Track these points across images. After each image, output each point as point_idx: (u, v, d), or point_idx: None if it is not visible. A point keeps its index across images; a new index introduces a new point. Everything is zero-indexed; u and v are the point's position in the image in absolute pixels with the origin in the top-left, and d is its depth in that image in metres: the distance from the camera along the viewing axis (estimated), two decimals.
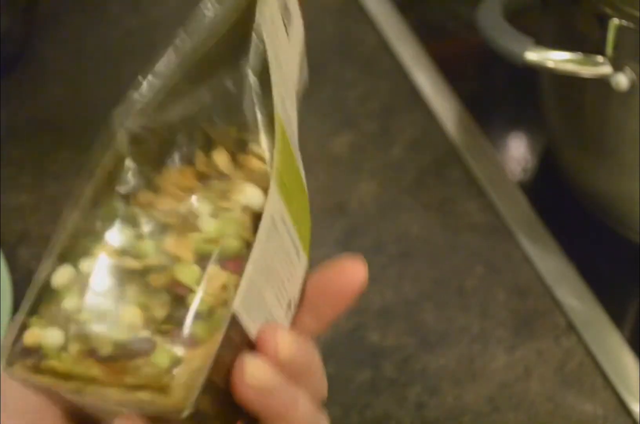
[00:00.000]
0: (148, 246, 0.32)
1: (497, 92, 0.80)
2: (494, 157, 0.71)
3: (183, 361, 0.30)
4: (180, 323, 0.30)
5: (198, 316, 0.30)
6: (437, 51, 0.78)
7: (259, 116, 0.34)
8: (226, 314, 0.30)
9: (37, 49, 0.79)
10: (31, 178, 0.70)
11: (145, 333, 0.30)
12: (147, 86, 0.35)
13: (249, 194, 0.33)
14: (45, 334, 0.31)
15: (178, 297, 0.31)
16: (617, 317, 0.60)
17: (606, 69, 0.55)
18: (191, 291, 0.31)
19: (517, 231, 0.65)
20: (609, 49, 0.55)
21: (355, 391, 0.57)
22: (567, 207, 0.67)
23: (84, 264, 0.33)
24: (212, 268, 0.31)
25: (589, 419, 0.55)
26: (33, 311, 0.32)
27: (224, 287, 0.31)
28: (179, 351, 0.30)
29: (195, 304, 0.30)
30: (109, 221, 0.34)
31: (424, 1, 0.84)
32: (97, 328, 0.30)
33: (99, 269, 0.32)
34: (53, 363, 0.30)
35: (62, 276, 0.33)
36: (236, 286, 0.31)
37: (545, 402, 0.56)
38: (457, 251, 0.64)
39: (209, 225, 0.32)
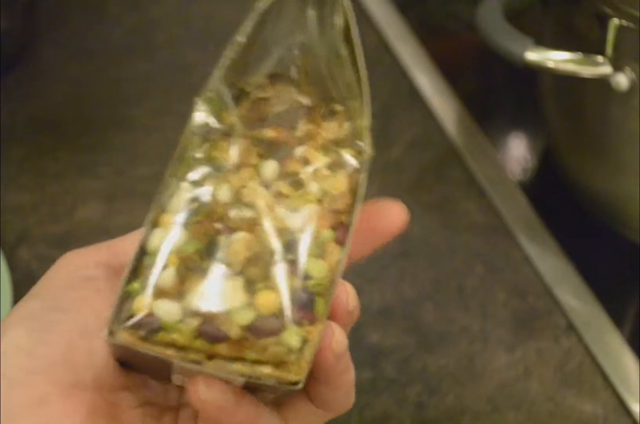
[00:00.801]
0: (263, 216, 0.32)
1: (497, 92, 0.80)
2: (494, 157, 0.71)
3: (308, 339, 0.31)
4: (305, 301, 0.31)
5: (320, 293, 0.31)
6: (437, 51, 0.78)
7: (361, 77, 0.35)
8: (334, 289, 0.32)
9: (37, 49, 0.79)
10: (31, 178, 0.70)
11: (273, 313, 0.31)
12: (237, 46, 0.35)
13: (349, 160, 0.34)
14: (160, 306, 0.30)
15: (297, 272, 0.31)
16: (617, 317, 0.60)
17: (606, 69, 0.55)
18: (312, 265, 0.32)
19: (517, 231, 0.65)
20: (609, 49, 0.55)
21: (355, 391, 0.57)
22: (567, 207, 0.67)
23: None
24: (332, 245, 0.32)
25: (589, 419, 0.55)
26: (134, 278, 0.32)
27: (338, 262, 0.32)
28: (305, 330, 0.31)
29: (320, 280, 0.31)
30: (212, 184, 0.33)
31: (424, 1, 0.84)
32: (217, 305, 0.31)
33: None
34: (173, 336, 0.30)
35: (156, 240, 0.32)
36: (341, 259, 0.32)
37: (545, 402, 0.56)
38: (457, 251, 0.64)
39: (317, 189, 0.33)
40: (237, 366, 0.30)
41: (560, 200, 0.68)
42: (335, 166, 0.34)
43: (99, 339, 0.32)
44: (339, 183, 0.33)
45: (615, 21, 0.53)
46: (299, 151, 0.34)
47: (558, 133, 0.67)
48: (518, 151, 0.73)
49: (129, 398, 0.34)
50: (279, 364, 0.30)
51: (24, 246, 0.64)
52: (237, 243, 0.31)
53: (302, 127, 0.34)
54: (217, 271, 0.31)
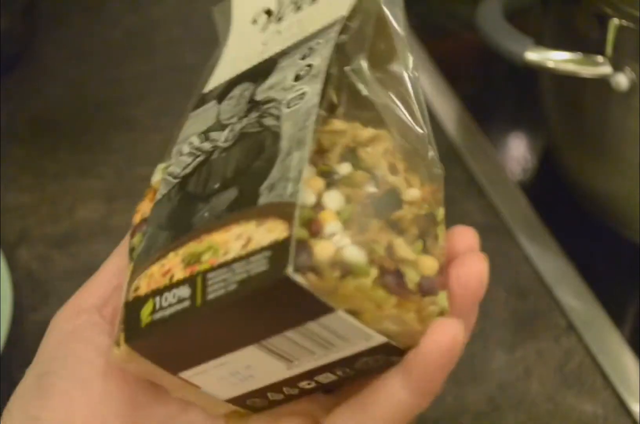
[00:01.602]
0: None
1: (497, 92, 0.80)
2: (494, 157, 0.71)
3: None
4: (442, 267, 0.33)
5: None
6: (437, 51, 0.78)
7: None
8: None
9: (37, 49, 0.79)
10: (31, 178, 0.70)
11: (432, 274, 0.32)
12: None
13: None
14: (348, 253, 0.30)
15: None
16: (617, 317, 0.60)
17: (606, 69, 0.55)
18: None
19: (517, 231, 0.65)
20: (609, 49, 0.55)
21: None
22: (567, 207, 0.67)
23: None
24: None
25: (589, 419, 0.55)
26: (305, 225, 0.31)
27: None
28: (446, 293, 0.33)
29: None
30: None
31: (424, 1, 0.84)
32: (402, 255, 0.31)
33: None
34: (359, 281, 0.30)
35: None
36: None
37: (545, 402, 0.56)
38: None
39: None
40: (386, 321, 0.31)
41: (560, 200, 0.68)
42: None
43: (102, 385, 0.33)
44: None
45: (615, 21, 0.53)
46: None
47: (558, 133, 0.67)
48: (518, 151, 0.73)
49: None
50: (422, 323, 0.32)
51: (24, 246, 0.64)
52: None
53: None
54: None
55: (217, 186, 0.33)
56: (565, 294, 0.61)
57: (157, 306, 0.31)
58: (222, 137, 0.35)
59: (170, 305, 0.31)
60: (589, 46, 0.55)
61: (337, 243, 0.30)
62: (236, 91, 0.36)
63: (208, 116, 0.37)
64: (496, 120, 0.76)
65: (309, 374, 0.33)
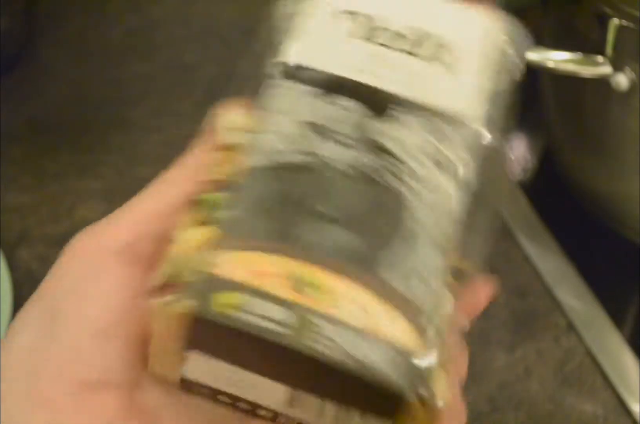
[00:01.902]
0: None
1: None
2: None
3: None
4: None
5: None
6: None
7: None
8: None
9: (37, 49, 0.79)
10: (31, 178, 0.70)
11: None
12: None
13: None
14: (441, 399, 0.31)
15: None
16: (617, 317, 0.60)
17: (606, 69, 0.55)
18: None
19: (517, 231, 0.65)
20: (609, 49, 0.55)
21: None
22: (567, 207, 0.67)
23: None
24: None
25: (589, 419, 0.55)
26: None
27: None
28: None
29: None
30: None
31: None
32: None
33: None
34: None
35: None
36: None
37: (545, 402, 0.56)
38: None
39: None
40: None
41: (560, 200, 0.68)
42: None
43: (114, 338, 0.31)
44: None
45: (615, 21, 0.53)
46: None
47: (558, 133, 0.67)
48: (518, 151, 0.73)
49: (151, 392, 0.33)
50: None
51: (24, 246, 0.64)
52: None
53: None
54: None
55: (328, 211, 0.32)
56: (565, 294, 0.61)
57: (246, 307, 0.29)
58: (329, 151, 0.33)
59: (263, 317, 0.29)
60: (589, 46, 0.55)
61: (441, 386, 0.30)
62: (341, 102, 0.35)
63: (305, 104, 0.35)
64: None
65: (292, 420, 0.32)
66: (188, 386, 0.32)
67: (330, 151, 0.33)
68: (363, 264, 0.31)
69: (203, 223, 0.32)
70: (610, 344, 0.59)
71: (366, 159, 0.33)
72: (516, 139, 0.75)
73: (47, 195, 0.68)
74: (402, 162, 0.33)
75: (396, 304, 0.30)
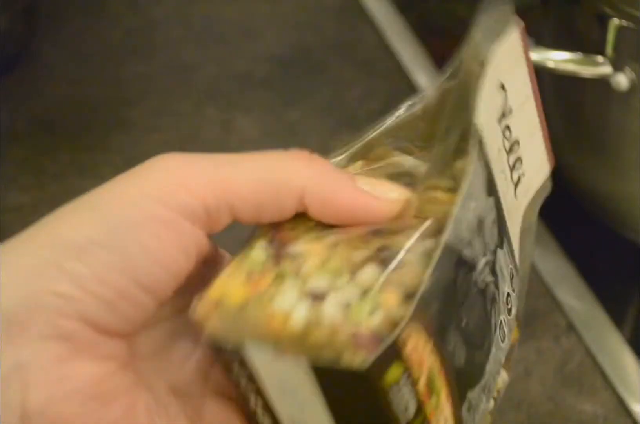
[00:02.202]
0: None
1: None
2: None
3: None
4: None
5: None
6: (437, 51, 0.78)
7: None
8: None
9: (37, 49, 0.79)
10: (31, 178, 0.70)
11: None
12: None
13: None
14: None
15: None
16: (617, 317, 0.60)
17: (606, 69, 0.55)
18: None
19: None
20: (609, 49, 0.55)
21: None
22: (567, 207, 0.67)
23: None
24: None
25: (589, 419, 0.55)
26: None
27: None
28: None
29: None
30: None
31: (424, 1, 0.84)
32: None
33: None
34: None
35: None
36: None
37: (545, 402, 0.56)
38: None
39: None
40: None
41: (560, 200, 0.68)
42: None
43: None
44: None
45: (615, 21, 0.53)
46: None
47: (558, 133, 0.67)
48: None
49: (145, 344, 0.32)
50: None
51: None
52: None
53: None
54: None
55: (464, 324, 0.32)
56: (565, 294, 0.61)
57: (399, 388, 0.29)
58: (481, 264, 0.33)
59: (402, 401, 0.29)
60: (589, 46, 0.55)
61: None
62: (493, 213, 0.34)
63: (480, 197, 0.33)
64: None
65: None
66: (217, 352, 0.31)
67: (479, 257, 0.32)
68: (459, 391, 0.32)
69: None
70: (610, 344, 0.59)
71: (489, 280, 0.33)
72: None
73: (47, 195, 0.68)
74: (499, 297, 0.34)
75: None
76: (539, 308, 0.61)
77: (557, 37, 0.59)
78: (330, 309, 0.28)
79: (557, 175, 0.68)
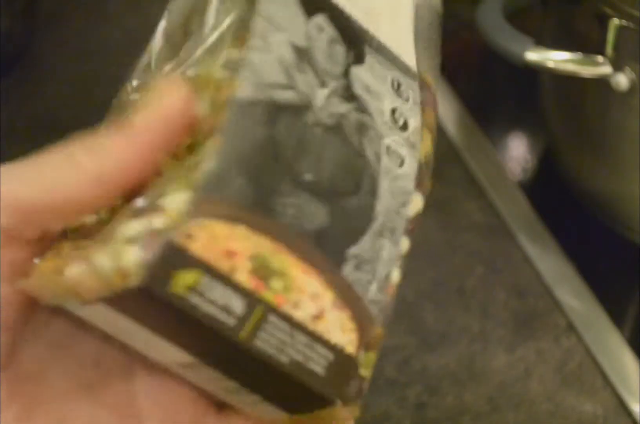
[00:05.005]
0: None
1: (497, 92, 0.79)
2: (494, 157, 0.71)
3: None
4: None
5: None
6: None
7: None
8: None
9: (37, 49, 0.79)
10: None
11: None
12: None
13: None
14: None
15: None
16: (617, 317, 0.60)
17: (606, 69, 0.55)
18: None
19: (517, 231, 0.65)
20: (609, 49, 0.55)
21: None
22: (567, 207, 0.67)
23: None
24: None
25: (589, 419, 0.55)
26: None
27: None
28: None
29: None
30: None
31: None
32: None
33: None
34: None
35: None
36: None
37: (545, 402, 0.56)
38: (457, 251, 0.64)
39: None
40: None
41: (560, 200, 0.68)
42: None
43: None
44: None
45: (615, 21, 0.53)
46: None
47: (558, 133, 0.67)
48: (518, 151, 0.73)
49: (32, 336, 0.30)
50: None
51: None
52: None
53: None
54: None
55: (308, 177, 0.28)
56: (565, 294, 0.61)
57: (202, 291, 0.26)
58: (315, 91, 0.29)
59: (214, 303, 0.26)
60: (589, 46, 0.55)
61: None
62: (327, 31, 0.29)
63: (298, 21, 0.29)
64: (496, 120, 0.76)
65: None
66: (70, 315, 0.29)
67: (315, 91, 0.29)
68: (329, 252, 0.29)
69: (187, 171, 0.27)
70: (610, 344, 0.59)
71: (343, 110, 0.29)
72: (516, 139, 0.75)
73: None
74: (371, 117, 0.30)
75: (350, 310, 0.29)
76: (539, 308, 0.61)
77: (557, 37, 0.59)
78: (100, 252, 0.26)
79: (557, 175, 0.69)
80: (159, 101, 0.29)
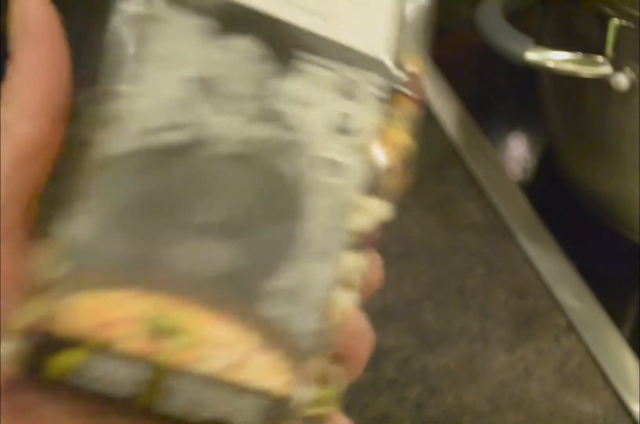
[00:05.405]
0: None
1: (497, 92, 0.80)
2: (494, 157, 0.71)
3: None
4: None
5: None
6: (437, 51, 0.78)
7: None
8: None
9: None
10: None
11: None
12: None
13: None
14: None
15: None
16: (617, 317, 0.60)
17: (606, 69, 0.55)
18: None
19: (517, 231, 0.65)
20: (609, 49, 0.55)
21: (355, 391, 0.57)
22: (567, 207, 0.67)
23: None
24: None
25: (589, 419, 0.55)
26: None
27: None
28: None
29: None
30: None
31: None
32: None
33: None
34: None
35: None
36: None
37: (545, 402, 0.56)
38: (457, 251, 0.64)
39: None
40: None
41: (560, 200, 0.68)
42: None
43: None
44: None
45: (615, 21, 0.53)
46: None
47: (558, 133, 0.67)
48: (518, 151, 0.73)
49: None
50: None
51: None
52: None
53: None
54: None
55: (205, 217, 0.26)
56: (565, 294, 0.61)
57: (85, 369, 0.24)
58: (217, 122, 0.26)
59: (100, 379, 0.25)
60: (589, 46, 0.55)
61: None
62: (239, 44, 0.26)
63: (194, 49, 0.26)
64: (496, 120, 0.76)
65: None
66: None
67: (215, 122, 0.26)
68: (240, 293, 0.26)
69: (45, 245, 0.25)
70: (610, 344, 0.59)
71: (261, 134, 0.26)
72: (516, 139, 0.75)
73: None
74: (302, 138, 0.27)
75: (271, 337, 0.26)
76: (539, 308, 0.61)
77: (557, 37, 0.59)
78: None
79: (557, 175, 0.69)
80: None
